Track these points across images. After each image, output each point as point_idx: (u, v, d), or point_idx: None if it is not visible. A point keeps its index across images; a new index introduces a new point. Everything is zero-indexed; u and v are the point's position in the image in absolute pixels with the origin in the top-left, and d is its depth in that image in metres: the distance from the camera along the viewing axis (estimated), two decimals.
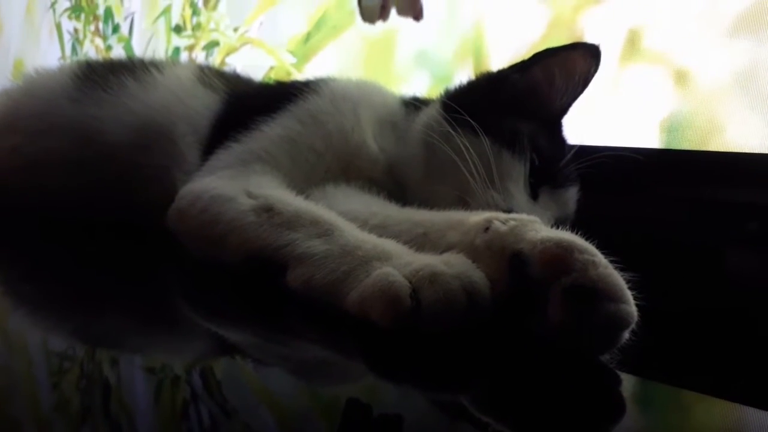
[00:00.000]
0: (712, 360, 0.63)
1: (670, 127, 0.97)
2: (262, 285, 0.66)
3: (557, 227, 0.59)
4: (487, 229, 0.59)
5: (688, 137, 0.95)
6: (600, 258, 0.52)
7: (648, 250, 0.85)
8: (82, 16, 2.16)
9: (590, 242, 0.54)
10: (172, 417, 0.43)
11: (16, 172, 1.00)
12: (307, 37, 1.50)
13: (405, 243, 0.63)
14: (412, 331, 0.53)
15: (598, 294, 0.50)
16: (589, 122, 0.98)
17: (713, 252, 0.88)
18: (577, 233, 0.56)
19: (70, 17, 2.20)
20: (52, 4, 2.27)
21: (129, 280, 0.77)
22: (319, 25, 1.48)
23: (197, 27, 1.75)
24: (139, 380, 0.50)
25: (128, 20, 2.00)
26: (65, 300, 0.68)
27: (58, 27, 2.24)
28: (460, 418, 0.46)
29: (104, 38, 2.07)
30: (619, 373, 0.53)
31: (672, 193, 0.95)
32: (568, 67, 0.84)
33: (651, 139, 0.99)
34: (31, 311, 0.67)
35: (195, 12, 1.76)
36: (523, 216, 0.60)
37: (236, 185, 0.75)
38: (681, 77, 0.96)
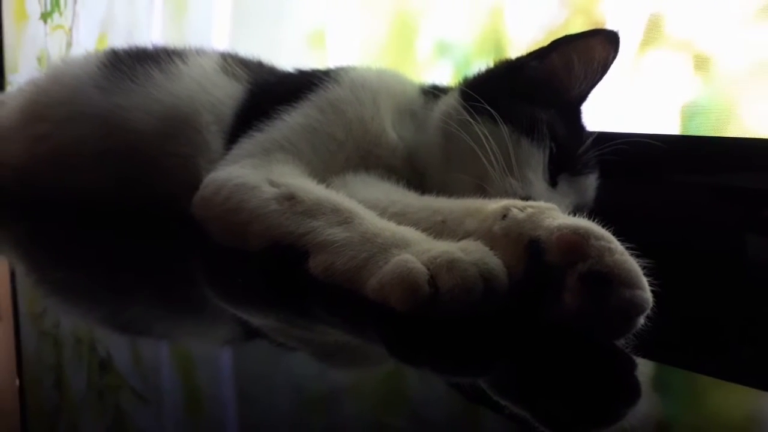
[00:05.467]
0: (732, 346, 0.63)
1: (691, 113, 0.97)
2: (285, 272, 0.67)
3: (576, 214, 0.59)
4: (504, 216, 0.59)
5: (708, 123, 0.94)
6: (616, 244, 0.53)
7: (668, 236, 0.85)
8: None
9: (607, 229, 0.54)
10: (198, 399, 0.45)
11: (46, 160, 1.02)
12: None
13: (423, 230, 0.63)
14: (430, 316, 0.54)
15: (613, 280, 0.51)
16: (609, 109, 0.98)
17: (733, 238, 0.88)
18: (594, 220, 0.56)
19: None
20: None
21: (155, 267, 0.78)
22: None
23: None
24: (165, 364, 0.52)
25: None
26: (94, 287, 0.70)
27: None
28: (479, 401, 0.47)
29: None
30: (635, 357, 0.53)
31: (691, 180, 0.94)
32: (586, 53, 0.84)
33: (671, 126, 0.98)
34: (63, 299, 0.69)
35: None
36: (541, 203, 0.60)
37: (259, 174, 0.77)
38: (702, 63, 0.95)
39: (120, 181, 0.97)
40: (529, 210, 0.58)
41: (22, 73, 2.75)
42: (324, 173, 0.80)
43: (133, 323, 0.60)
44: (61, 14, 2.52)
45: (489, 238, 0.59)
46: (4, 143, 1.09)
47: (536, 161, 0.80)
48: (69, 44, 2.49)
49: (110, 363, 0.51)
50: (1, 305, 0.67)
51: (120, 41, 2.11)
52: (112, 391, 0.46)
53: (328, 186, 0.75)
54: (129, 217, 0.95)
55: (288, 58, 1.13)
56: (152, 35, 2.08)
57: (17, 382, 0.47)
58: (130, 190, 0.96)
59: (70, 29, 2.48)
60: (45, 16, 2.61)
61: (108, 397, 0.45)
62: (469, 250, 0.56)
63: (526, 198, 0.72)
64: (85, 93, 1.01)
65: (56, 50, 2.55)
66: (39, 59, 2.67)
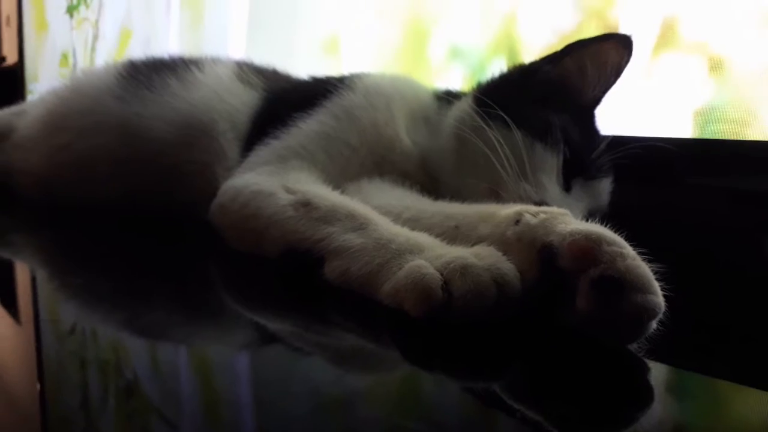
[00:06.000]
0: (747, 350, 0.62)
1: (705, 116, 0.96)
2: (300, 277, 0.68)
3: (589, 219, 0.60)
4: (517, 221, 0.60)
5: (723, 126, 0.94)
6: (628, 250, 0.53)
7: (682, 240, 0.85)
8: None
9: (620, 234, 0.55)
10: (215, 402, 0.46)
11: (67, 169, 1.04)
12: None
13: (437, 236, 0.64)
14: (444, 321, 0.54)
15: (625, 285, 0.51)
16: (623, 112, 0.97)
17: (748, 242, 0.87)
18: (607, 225, 0.56)
19: None
20: None
21: (174, 273, 0.79)
22: None
23: None
24: (183, 369, 0.53)
25: None
26: (113, 293, 0.71)
27: None
28: (492, 405, 0.47)
29: None
30: (648, 361, 0.53)
31: (706, 183, 0.94)
32: (600, 58, 0.84)
33: (685, 129, 0.98)
34: (82, 304, 0.70)
35: None
36: (554, 209, 0.60)
37: (275, 181, 0.78)
38: (716, 66, 0.95)
39: (139, 188, 0.98)
40: (542, 215, 0.59)
41: (43, 82, 2.80)
42: (339, 179, 0.81)
43: (152, 328, 0.61)
44: (87, 6, 2.55)
45: (502, 243, 0.59)
46: (26, 152, 1.11)
47: (550, 166, 0.80)
48: (96, 37, 2.52)
49: (128, 366, 0.52)
50: (23, 310, 0.69)
51: (138, 51, 2.14)
52: (136, 406, 0.46)
53: (342, 192, 0.75)
54: (148, 223, 0.96)
55: (303, 65, 1.15)
56: (170, 44, 2.10)
57: (38, 386, 0.48)
58: (148, 197, 0.97)
59: (97, 21, 2.51)
60: (71, 9, 2.64)
61: (126, 402, 0.46)
62: (483, 256, 0.57)
63: (540, 203, 0.73)
64: (104, 103, 1.02)
65: (82, 44, 2.58)
66: (64, 56, 2.71)
